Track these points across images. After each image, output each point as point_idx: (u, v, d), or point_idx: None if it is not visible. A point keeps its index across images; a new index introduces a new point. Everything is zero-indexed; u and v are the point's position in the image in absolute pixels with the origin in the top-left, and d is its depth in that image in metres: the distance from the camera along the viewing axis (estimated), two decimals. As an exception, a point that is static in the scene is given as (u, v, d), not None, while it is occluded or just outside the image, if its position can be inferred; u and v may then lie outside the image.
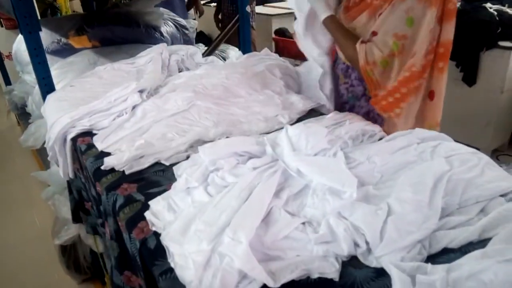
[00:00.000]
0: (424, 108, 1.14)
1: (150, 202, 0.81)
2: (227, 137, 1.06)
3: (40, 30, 1.47)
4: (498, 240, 0.62)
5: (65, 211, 1.61)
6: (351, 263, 0.64)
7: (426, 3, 1.02)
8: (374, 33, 1.08)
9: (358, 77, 1.19)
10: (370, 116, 1.20)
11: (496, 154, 2.76)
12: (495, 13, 2.42)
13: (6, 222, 2.37)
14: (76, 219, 1.43)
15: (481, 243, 0.64)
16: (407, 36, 1.04)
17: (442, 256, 0.64)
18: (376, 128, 1.00)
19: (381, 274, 0.61)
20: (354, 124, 0.99)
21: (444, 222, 0.68)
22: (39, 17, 2.00)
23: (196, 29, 2.87)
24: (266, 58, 1.52)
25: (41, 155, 2.51)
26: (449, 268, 0.57)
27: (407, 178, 0.75)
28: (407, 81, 1.05)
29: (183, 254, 0.65)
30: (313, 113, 1.24)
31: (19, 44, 2.35)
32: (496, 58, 2.40)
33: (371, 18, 1.09)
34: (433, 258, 0.63)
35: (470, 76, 2.49)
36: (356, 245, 0.66)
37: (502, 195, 0.73)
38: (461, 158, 0.79)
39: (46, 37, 2.05)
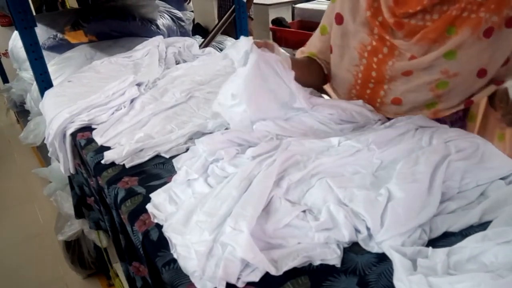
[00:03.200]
0: None
1: (151, 195, 0.81)
2: (226, 129, 1.06)
3: (36, 25, 1.46)
4: (498, 223, 0.62)
5: (68, 207, 1.62)
6: (352, 249, 0.64)
7: None
8: (507, 61, 0.85)
9: None
10: None
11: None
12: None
13: (9, 219, 2.39)
14: (78, 214, 1.44)
15: (482, 226, 0.65)
16: None
17: (443, 240, 0.64)
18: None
19: (382, 259, 0.62)
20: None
21: (444, 207, 0.68)
22: (34, 13, 1.98)
23: (193, 20, 2.85)
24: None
25: (41, 152, 2.51)
26: (450, 251, 0.57)
27: (407, 164, 0.75)
28: None
29: (186, 245, 0.66)
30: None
31: (15, 41, 2.34)
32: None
33: (476, 37, 0.82)
34: (434, 242, 0.63)
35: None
36: (357, 231, 0.66)
37: (501, 178, 0.73)
38: (460, 143, 0.79)
39: (42, 33, 2.04)
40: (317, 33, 1.09)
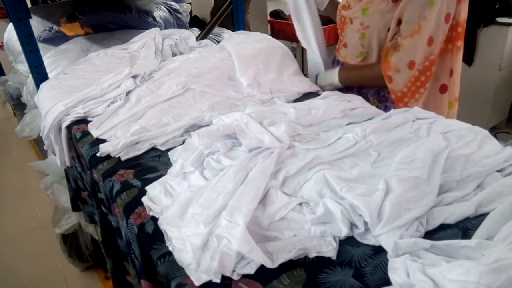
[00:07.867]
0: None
1: (147, 188, 0.81)
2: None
3: (30, 17, 1.44)
4: (495, 215, 0.61)
5: (64, 200, 1.62)
6: (348, 241, 0.64)
7: None
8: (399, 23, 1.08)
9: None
10: (381, 95, 1.23)
11: (494, 132, 2.76)
12: (493, -12, 2.38)
13: (6, 213, 2.38)
14: (75, 207, 1.44)
15: (478, 218, 0.65)
16: (426, 16, 1.03)
17: (440, 232, 0.64)
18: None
19: (378, 251, 0.61)
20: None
21: (441, 199, 0.68)
22: (29, 5, 1.96)
23: (190, 13, 2.82)
24: (260, 39, 1.50)
25: (38, 145, 2.50)
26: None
27: (404, 156, 0.74)
28: (425, 70, 1.08)
29: (181, 238, 0.65)
30: (310, 95, 1.23)
31: (10, 33, 2.32)
32: (494, 35, 2.37)
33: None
34: (431, 235, 0.63)
35: (468, 55, 2.46)
36: (354, 226, 0.65)
37: (498, 171, 0.73)
38: (458, 134, 0.78)
39: (38, 25, 2.02)
40: None
